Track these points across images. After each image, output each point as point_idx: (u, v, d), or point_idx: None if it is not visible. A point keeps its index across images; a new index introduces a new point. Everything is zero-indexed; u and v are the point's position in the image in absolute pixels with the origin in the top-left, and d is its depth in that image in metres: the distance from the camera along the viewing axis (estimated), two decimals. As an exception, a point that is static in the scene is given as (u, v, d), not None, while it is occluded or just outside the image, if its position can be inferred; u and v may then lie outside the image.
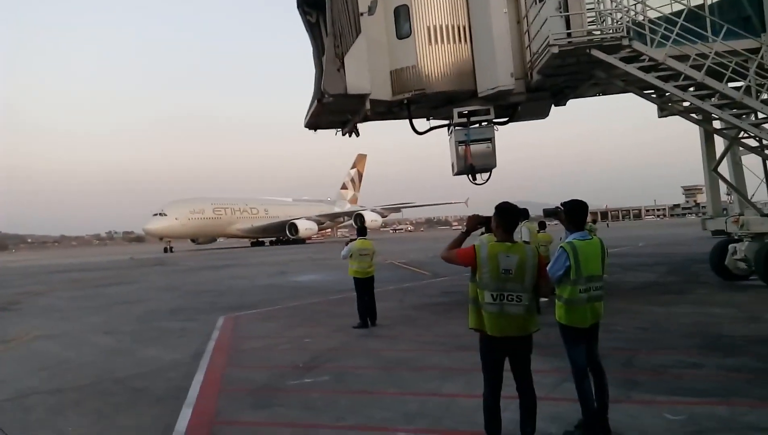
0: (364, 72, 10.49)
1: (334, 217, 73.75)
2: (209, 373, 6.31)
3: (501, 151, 10.92)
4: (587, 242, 3.83)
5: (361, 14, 10.46)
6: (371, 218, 61.74)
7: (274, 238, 68.34)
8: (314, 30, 12.42)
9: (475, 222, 3.72)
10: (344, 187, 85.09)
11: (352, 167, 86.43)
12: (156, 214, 56.48)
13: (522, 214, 9.51)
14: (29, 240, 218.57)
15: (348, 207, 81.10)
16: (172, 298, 14.82)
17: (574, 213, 3.94)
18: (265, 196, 73.79)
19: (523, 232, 8.92)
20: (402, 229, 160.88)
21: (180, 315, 11.35)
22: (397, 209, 74.41)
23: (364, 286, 8.86)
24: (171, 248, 57.51)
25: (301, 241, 64.76)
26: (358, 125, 12.85)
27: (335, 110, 11.79)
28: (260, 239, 68.75)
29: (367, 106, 10.79)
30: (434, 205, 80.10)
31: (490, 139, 10.79)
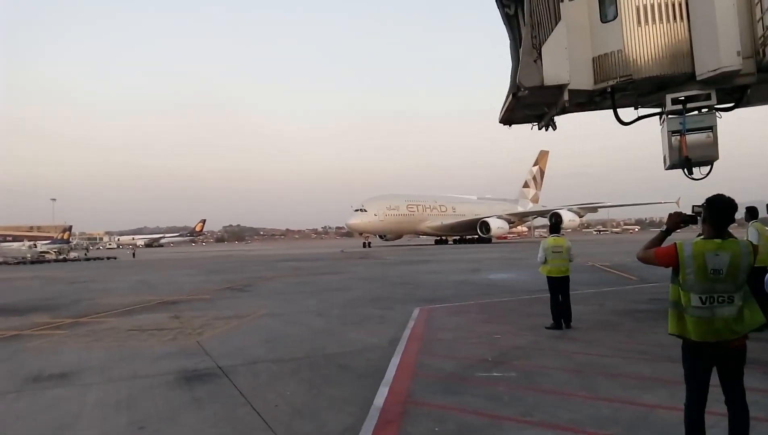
0: (563, 61, 10.04)
1: (523, 216, 70.94)
2: (404, 358, 6.76)
3: (725, 141, 9.52)
4: None
5: (561, 0, 10.06)
6: (569, 218, 57.83)
7: (457, 237, 68.25)
8: (512, 22, 12.27)
9: (678, 220, 3.40)
10: (526, 185, 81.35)
11: (534, 164, 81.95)
12: (357, 210, 58.52)
13: (748, 212, 8.21)
14: (261, 232, 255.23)
15: (530, 206, 77.52)
16: (374, 288, 16.05)
17: None
18: (451, 194, 73.60)
19: (750, 232, 7.69)
20: (606, 231, 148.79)
21: (380, 304, 12.25)
22: (593, 209, 68.21)
23: (558, 285, 8.52)
24: (369, 243, 60.33)
25: (487, 240, 63.50)
26: (556, 118, 12.37)
27: (531, 103, 11.50)
28: (445, 237, 68.97)
29: (566, 96, 10.29)
30: (637, 204, 71.52)
31: (711, 128, 9.46)
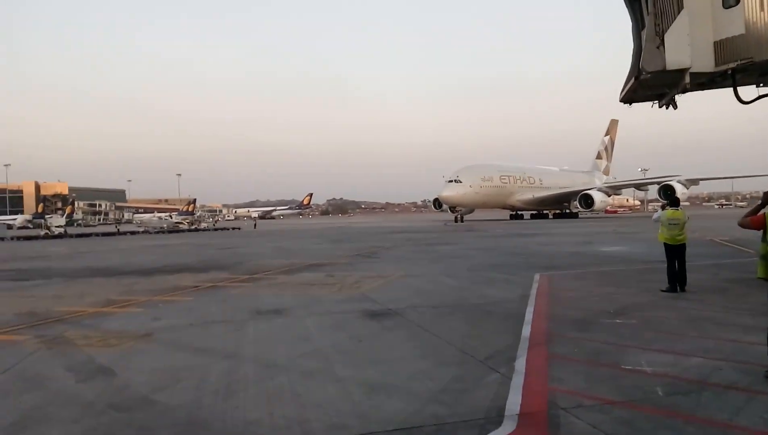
0: (685, 47, 10.74)
1: (618, 188, 66.02)
2: (537, 308, 8.30)
3: None
4: None
5: None
6: (681, 190, 53.68)
7: (534, 212, 64.00)
8: (634, 5, 12.93)
9: (769, 197, 4.64)
10: (599, 156, 76.94)
11: (606, 134, 77.21)
12: (451, 181, 54.06)
13: None
14: (363, 206, 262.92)
15: (605, 178, 72.50)
16: (490, 257, 17.54)
17: None
18: (534, 165, 68.72)
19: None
20: (730, 205, 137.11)
21: (501, 270, 13.74)
22: (694, 181, 59.13)
23: (675, 252, 9.53)
24: (462, 217, 55.04)
25: (574, 215, 60.26)
26: (676, 98, 12.95)
27: (652, 84, 12.23)
28: (534, 212, 64.69)
29: (687, 79, 11.01)
30: (749, 176, 64.79)
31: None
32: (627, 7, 13.05)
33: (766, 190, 4.70)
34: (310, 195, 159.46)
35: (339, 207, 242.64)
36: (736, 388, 4.49)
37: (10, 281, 14.36)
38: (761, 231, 4.50)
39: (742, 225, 4.71)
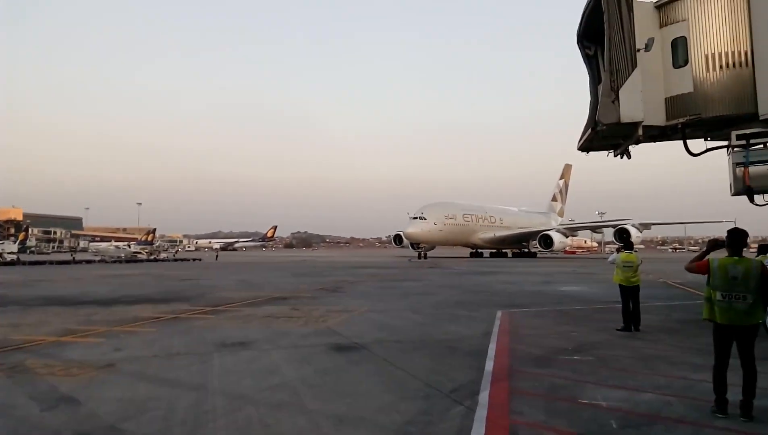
0: (638, 102, 11.53)
1: (575, 229, 68.45)
2: (499, 344, 8.54)
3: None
4: None
5: (638, 50, 11.54)
6: (635, 234, 52.96)
7: (495, 250, 65.35)
8: (591, 62, 13.83)
9: (713, 244, 5.07)
10: (554, 198, 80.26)
11: (560, 178, 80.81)
12: (415, 218, 54.19)
13: (759, 248, 9.61)
14: (327, 240, 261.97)
15: (560, 220, 75.82)
16: (454, 293, 17.81)
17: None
18: (495, 205, 70.28)
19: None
20: (683, 249, 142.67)
21: (464, 307, 14.00)
22: (647, 226, 59.92)
23: (629, 293, 10.02)
24: (425, 254, 54.73)
25: (533, 254, 62.10)
26: (630, 148, 13.76)
27: (608, 135, 13.00)
28: (493, 250, 65.57)
29: (640, 132, 11.78)
30: (699, 222, 66.98)
31: (772, 161, 10.65)
32: (585, 63, 13.95)
33: (710, 238, 5.15)
34: (275, 227, 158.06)
35: (303, 240, 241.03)
36: (684, 421, 4.79)
37: (-41, 308, 13.76)
38: (706, 275, 4.90)
39: (689, 269, 5.12)
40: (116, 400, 5.41)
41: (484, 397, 5.54)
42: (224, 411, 5.08)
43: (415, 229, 53.99)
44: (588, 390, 5.85)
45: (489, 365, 7.00)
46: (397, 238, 67.30)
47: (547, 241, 57.47)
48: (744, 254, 4.91)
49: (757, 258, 9.66)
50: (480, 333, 9.70)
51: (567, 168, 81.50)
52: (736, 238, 4.84)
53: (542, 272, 31.32)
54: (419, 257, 54.27)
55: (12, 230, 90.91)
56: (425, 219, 54.37)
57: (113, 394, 5.65)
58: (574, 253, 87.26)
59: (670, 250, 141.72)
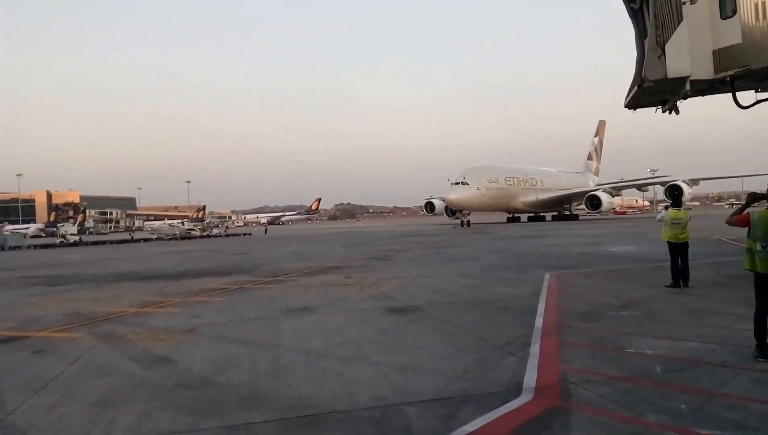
0: (685, 56, 11.35)
1: (620, 188, 64.09)
2: (547, 303, 8.92)
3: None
4: None
5: (684, 3, 11.31)
6: (687, 190, 49.74)
7: (531, 214, 63.14)
8: (637, 16, 13.57)
9: (753, 197, 5.26)
10: (590, 157, 76.86)
11: (595, 135, 77.32)
12: (457, 183, 52.29)
13: None
14: (371, 210, 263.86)
15: (596, 179, 72.44)
16: (501, 258, 18.14)
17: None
18: (536, 166, 67.78)
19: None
20: (740, 204, 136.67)
21: (512, 270, 14.35)
22: (695, 181, 55.34)
23: (677, 249, 10.13)
24: (468, 221, 52.69)
25: (575, 217, 59.99)
26: (679, 103, 13.55)
27: (655, 91, 12.85)
28: (531, 214, 63.38)
29: (687, 86, 11.63)
30: (749, 175, 62.75)
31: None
32: (630, 17, 13.70)
33: (750, 192, 5.33)
34: (319, 200, 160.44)
35: (347, 211, 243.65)
36: (726, 365, 5.11)
37: (44, 286, 15.12)
38: (747, 228, 5.13)
39: (730, 223, 5.34)
40: (205, 358, 6.15)
41: (535, 348, 5.99)
42: (300, 364, 5.73)
43: (458, 194, 52.23)
44: (634, 340, 6.20)
45: (539, 321, 7.41)
46: (429, 206, 66.29)
47: (594, 201, 54.79)
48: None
49: None
50: (529, 293, 10.07)
51: (601, 124, 78.15)
52: None
53: (589, 234, 31.08)
54: (462, 225, 51.63)
55: (71, 213, 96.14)
56: (467, 184, 52.51)
57: (201, 353, 6.40)
58: (624, 213, 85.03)
59: (726, 206, 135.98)
